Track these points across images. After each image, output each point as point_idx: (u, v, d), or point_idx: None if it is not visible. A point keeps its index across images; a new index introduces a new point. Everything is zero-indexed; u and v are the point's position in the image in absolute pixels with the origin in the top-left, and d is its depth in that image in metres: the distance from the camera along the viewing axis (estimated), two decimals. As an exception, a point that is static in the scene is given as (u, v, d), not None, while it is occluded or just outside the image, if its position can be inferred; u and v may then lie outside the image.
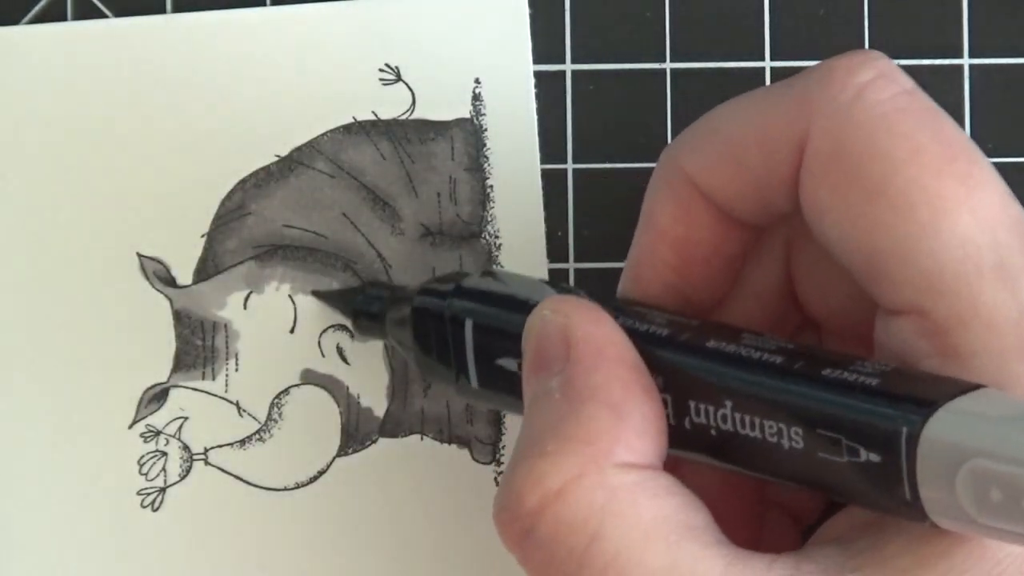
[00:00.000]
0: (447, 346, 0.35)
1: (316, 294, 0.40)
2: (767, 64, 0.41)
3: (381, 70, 0.41)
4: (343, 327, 0.41)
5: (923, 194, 0.29)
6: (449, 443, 0.41)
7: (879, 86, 0.31)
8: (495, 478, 0.41)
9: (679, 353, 0.31)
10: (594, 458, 0.29)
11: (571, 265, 0.41)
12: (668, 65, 0.41)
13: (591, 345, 0.31)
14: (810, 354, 0.30)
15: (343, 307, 0.40)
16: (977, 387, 0.28)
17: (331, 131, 0.41)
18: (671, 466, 0.31)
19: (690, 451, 0.31)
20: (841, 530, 0.30)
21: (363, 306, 0.39)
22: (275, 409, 0.41)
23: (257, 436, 0.41)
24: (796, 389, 0.29)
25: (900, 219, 0.30)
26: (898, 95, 0.31)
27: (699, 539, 0.29)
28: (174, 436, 0.41)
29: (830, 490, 0.29)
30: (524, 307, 0.33)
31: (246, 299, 0.41)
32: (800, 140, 0.31)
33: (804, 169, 0.31)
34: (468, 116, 0.41)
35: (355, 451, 0.41)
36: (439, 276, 0.38)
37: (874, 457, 0.27)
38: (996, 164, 0.41)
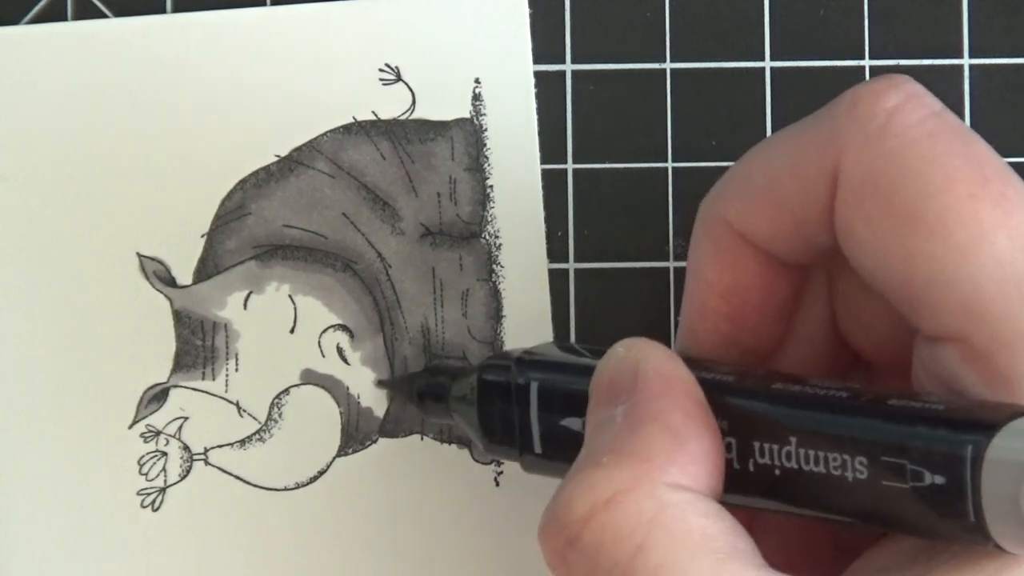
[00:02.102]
0: (512, 417, 0.35)
1: (380, 383, 0.41)
2: (767, 64, 0.41)
3: (381, 70, 0.41)
4: (343, 327, 0.41)
5: (958, 219, 0.29)
6: (449, 443, 0.41)
7: (907, 111, 0.30)
8: (495, 478, 0.41)
9: (744, 396, 0.31)
10: (647, 473, 0.29)
11: (571, 265, 0.41)
12: (668, 65, 0.41)
13: (658, 376, 0.31)
14: (876, 390, 0.30)
15: (407, 391, 0.40)
16: None
17: (331, 131, 0.41)
18: (744, 524, 0.30)
19: (754, 496, 0.31)
20: (885, 559, 0.30)
21: (427, 389, 0.40)
22: (275, 409, 0.41)
23: (257, 436, 0.41)
24: (861, 419, 0.29)
25: (936, 246, 0.29)
26: (927, 118, 0.30)
27: (744, 561, 0.29)
28: (174, 436, 0.41)
29: (891, 521, 0.29)
30: (587, 370, 0.33)
31: (246, 299, 0.41)
32: (833, 172, 0.31)
33: (838, 201, 0.31)
34: (468, 116, 0.41)
35: (355, 451, 0.41)
36: (497, 353, 0.39)
37: (938, 479, 0.28)
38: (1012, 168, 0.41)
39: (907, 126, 0.30)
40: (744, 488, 0.31)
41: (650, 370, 0.31)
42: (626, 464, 0.29)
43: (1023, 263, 0.29)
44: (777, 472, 0.30)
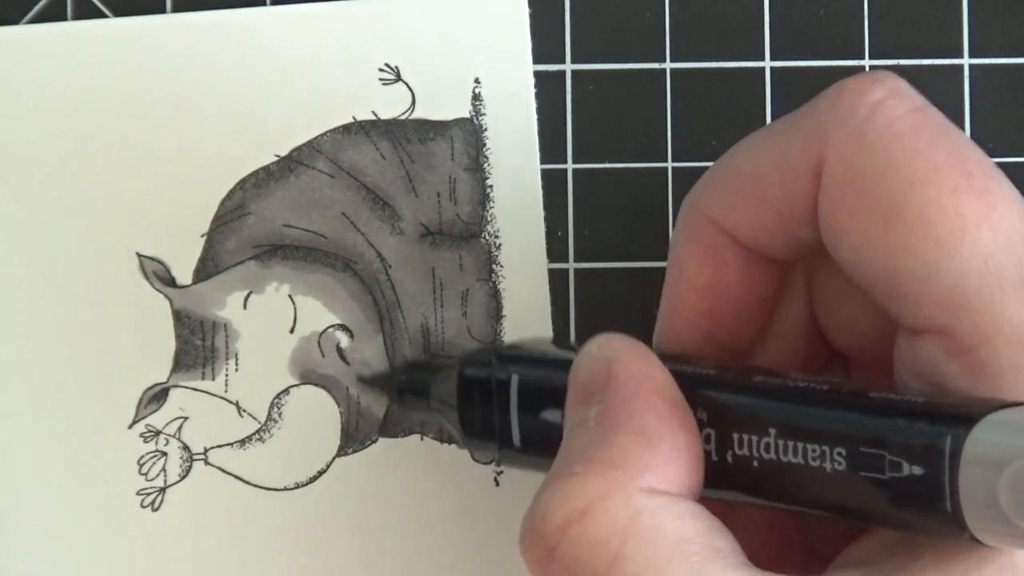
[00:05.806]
0: (491, 411, 0.35)
1: (361, 379, 0.41)
2: (767, 64, 0.41)
3: (381, 70, 0.41)
4: (343, 327, 0.41)
5: (942, 213, 0.29)
6: (449, 443, 0.41)
7: (890, 105, 0.30)
8: (495, 478, 0.41)
9: (723, 389, 0.31)
10: (621, 481, 0.29)
11: (571, 265, 0.41)
12: (668, 65, 0.41)
13: (631, 377, 0.31)
14: (856, 383, 0.30)
15: (388, 387, 0.40)
16: (1019, 403, 0.28)
17: (331, 131, 0.41)
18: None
19: (731, 489, 0.31)
20: (866, 553, 0.30)
21: (407, 385, 0.40)
22: (275, 409, 0.41)
23: (257, 436, 0.41)
24: (840, 411, 0.29)
25: (919, 239, 0.29)
26: (910, 113, 0.30)
27: (723, 561, 0.29)
28: (174, 436, 0.41)
29: (868, 513, 0.29)
30: (567, 364, 0.33)
31: (246, 299, 0.41)
32: (817, 165, 0.31)
33: (822, 193, 0.31)
34: (468, 116, 0.41)
35: (355, 451, 0.41)
36: (478, 349, 0.39)
37: (916, 471, 0.28)
38: (995, 164, 0.41)
39: (890, 120, 0.30)
40: (722, 481, 0.31)
41: (622, 370, 0.31)
42: (599, 472, 0.29)
43: (1005, 257, 0.29)
44: (755, 464, 0.30)
